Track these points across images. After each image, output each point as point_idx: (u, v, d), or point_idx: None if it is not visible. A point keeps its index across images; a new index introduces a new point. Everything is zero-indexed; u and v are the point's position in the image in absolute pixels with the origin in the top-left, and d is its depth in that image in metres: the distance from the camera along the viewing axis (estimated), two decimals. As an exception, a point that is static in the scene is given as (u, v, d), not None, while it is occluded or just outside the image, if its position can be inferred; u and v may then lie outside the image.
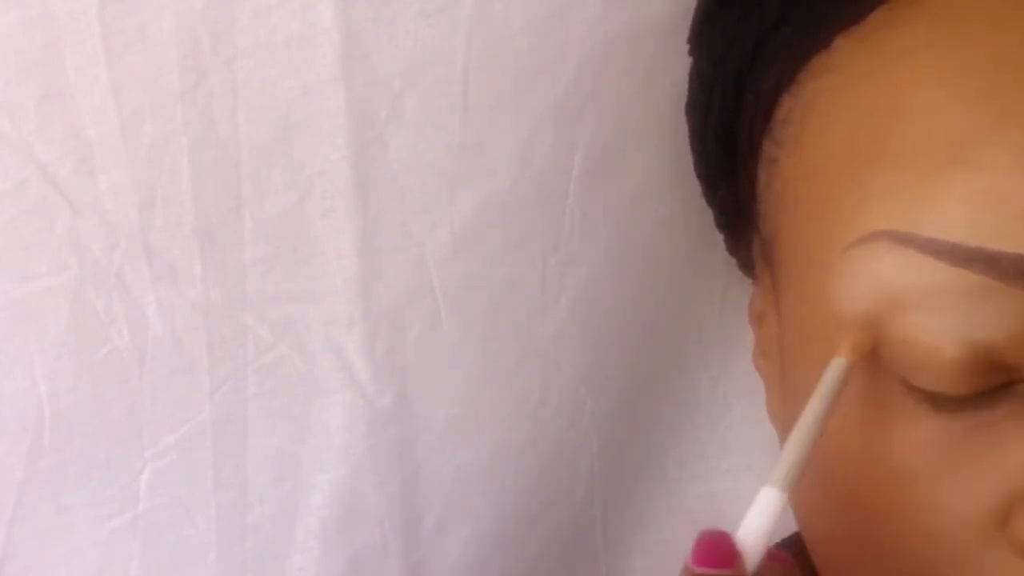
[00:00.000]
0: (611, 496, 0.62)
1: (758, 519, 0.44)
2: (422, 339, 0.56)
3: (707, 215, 0.58)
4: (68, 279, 0.52)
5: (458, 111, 0.53)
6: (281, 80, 0.52)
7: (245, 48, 0.51)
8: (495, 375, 0.57)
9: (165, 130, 0.51)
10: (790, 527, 0.52)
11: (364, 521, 0.57)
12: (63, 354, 0.53)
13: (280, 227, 0.53)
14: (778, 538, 0.57)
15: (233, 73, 0.51)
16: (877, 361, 0.45)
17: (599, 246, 0.57)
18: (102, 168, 0.51)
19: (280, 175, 0.53)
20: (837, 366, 0.44)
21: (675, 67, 0.55)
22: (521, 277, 0.57)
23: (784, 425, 0.52)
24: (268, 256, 0.54)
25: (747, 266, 0.57)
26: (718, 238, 0.58)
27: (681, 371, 0.63)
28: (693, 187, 0.57)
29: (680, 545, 0.64)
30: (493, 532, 0.60)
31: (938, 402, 0.44)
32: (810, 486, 0.48)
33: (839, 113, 0.47)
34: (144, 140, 0.51)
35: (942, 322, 0.43)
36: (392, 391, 0.56)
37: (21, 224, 0.51)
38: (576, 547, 0.63)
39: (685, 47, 0.55)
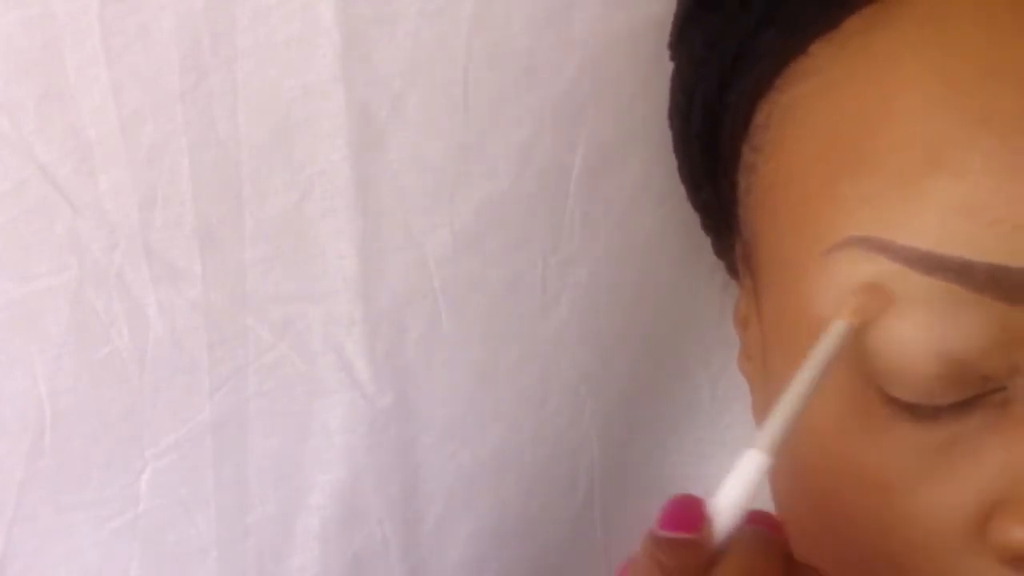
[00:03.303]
0: (611, 496, 0.62)
1: (738, 482, 0.41)
2: (422, 339, 0.56)
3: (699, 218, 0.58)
4: (68, 279, 0.52)
5: (458, 111, 0.53)
6: (281, 80, 0.52)
7: (245, 48, 0.51)
8: (495, 375, 0.57)
9: (165, 130, 0.51)
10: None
11: (364, 521, 0.57)
12: (63, 354, 0.53)
13: (280, 227, 0.53)
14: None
15: (233, 73, 0.51)
16: (854, 369, 0.45)
17: (599, 246, 0.57)
18: (102, 168, 0.51)
19: (280, 175, 0.53)
20: (838, 328, 0.43)
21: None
22: (521, 277, 0.56)
23: None
24: (268, 256, 0.54)
25: (734, 269, 0.57)
26: (716, 239, 0.58)
27: (681, 371, 0.63)
28: (688, 189, 0.57)
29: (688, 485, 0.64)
30: (493, 532, 0.60)
31: (915, 411, 0.44)
32: (793, 492, 0.48)
33: (817, 119, 0.47)
34: (144, 140, 0.51)
35: (915, 331, 0.43)
36: (392, 391, 0.56)
37: (21, 224, 0.51)
38: (576, 547, 0.63)
39: (669, 51, 0.55)
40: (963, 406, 0.43)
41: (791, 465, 0.48)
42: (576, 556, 0.63)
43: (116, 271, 0.52)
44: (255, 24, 0.51)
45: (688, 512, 0.41)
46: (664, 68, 0.55)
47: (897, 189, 0.44)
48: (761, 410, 0.53)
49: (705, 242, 0.58)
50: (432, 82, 0.53)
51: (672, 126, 0.56)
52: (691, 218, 0.58)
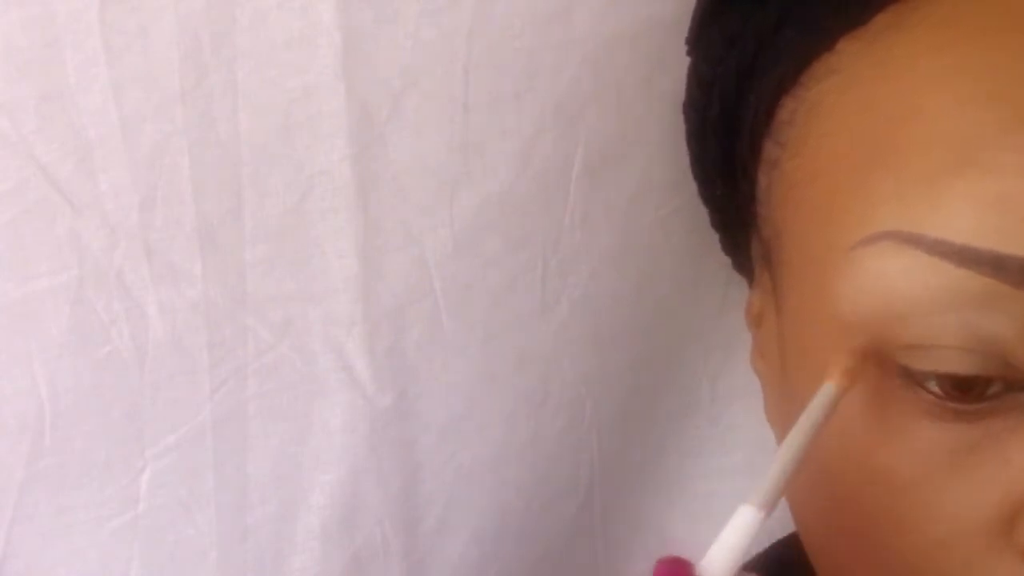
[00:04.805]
0: (611, 496, 0.62)
1: (732, 538, 0.42)
2: (422, 339, 0.56)
3: (707, 215, 0.58)
4: (68, 279, 0.52)
5: (458, 111, 0.53)
6: (281, 80, 0.52)
7: (245, 48, 0.51)
8: (495, 375, 0.57)
9: (165, 130, 0.51)
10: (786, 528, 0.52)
11: (364, 521, 0.57)
12: (63, 354, 0.53)
13: (280, 227, 0.53)
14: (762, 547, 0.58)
15: (233, 73, 0.51)
16: (880, 368, 0.45)
17: (599, 246, 0.57)
18: (102, 168, 0.51)
19: (280, 175, 0.53)
20: (826, 392, 0.44)
21: (676, 66, 0.55)
22: (521, 277, 0.56)
23: (783, 426, 0.52)
24: (268, 256, 0.54)
25: (742, 266, 0.57)
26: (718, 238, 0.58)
27: (681, 371, 0.63)
28: (694, 187, 0.57)
29: (679, 545, 0.64)
30: (493, 532, 0.60)
31: (941, 410, 0.44)
32: (811, 491, 0.48)
33: (844, 115, 0.47)
34: (144, 140, 0.51)
35: (947, 324, 0.43)
36: (393, 391, 0.56)
37: (21, 224, 0.51)
38: (576, 547, 0.63)
39: (686, 46, 0.55)
40: (989, 404, 0.43)
41: (812, 469, 0.48)
42: (576, 556, 0.63)
43: (116, 271, 0.53)
44: (255, 24, 0.51)
45: (679, 573, 0.41)
46: (665, 68, 0.55)
47: (927, 185, 0.43)
48: (774, 408, 0.53)
49: (706, 242, 0.58)
50: (432, 82, 0.53)
51: (687, 120, 0.55)
52: (691, 218, 0.58)
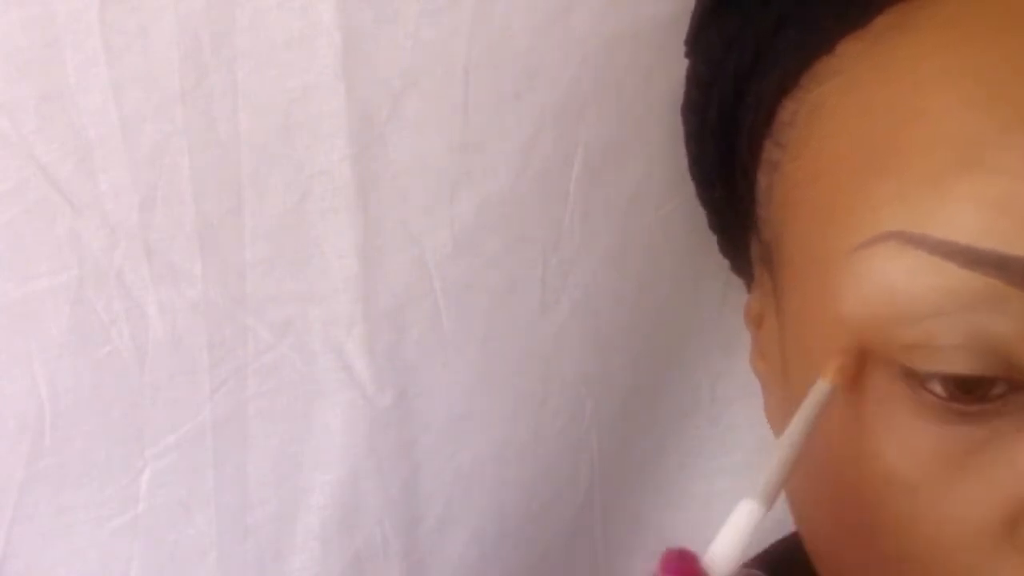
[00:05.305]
0: (611, 496, 0.62)
1: (733, 534, 0.43)
2: (422, 339, 0.56)
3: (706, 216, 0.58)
4: (68, 279, 0.52)
5: (458, 111, 0.53)
6: (281, 80, 0.52)
7: (245, 48, 0.51)
8: (495, 375, 0.57)
9: (165, 130, 0.51)
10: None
11: (364, 521, 0.57)
12: (63, 354, 0.53)
13: (280, 227, 0.53)
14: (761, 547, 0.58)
15: (233, 73, 0.51)
16: (883, 369, 0.45)
17: (599, 246, 0.57)
18: (102, 168, 0.51)
19: (280, 175, 0.53)
20: (820, 389, 0.44)
21: (676, 67, 0.55)
22: (521, 277, 0.57)
23: (784, 426, 0.52)
24: (268, 256, 0.54)
25: (740, 268, 0.57)
26: (718, 238, 0.58)
27: (681, 371, 0.63)
28: (693, 187, 0.57)
29: (678, 539, 0.64)
30: (493, 532, 0.60)
31: (944, 412, 0.44)
32: (814, 491, 0.48)
33: (846, 116, 0.47)
34: (144, 140, 0.51)
35: (951, 324, 0.43)
36: (392, 391, 0.56)
37: (21, 224, 0.51)
38: (576, 547, 0.63)
39: (685, 47, 0.55)
40: (993, 404, 0.43)
41: (815, 470, 0.48)
42: (576, 556, 0.63)
43: (116, 271, 0.53)
44: (255, 24, 0.51)
45: (685, 567, 0.42)
46: (665, 68, 0.55)
47: (931, 186, 0.43)
48: (776, 409, 0.53)
49: (705, 242, 0.58)
50: (432, 82, 0.53)
51: (685, 122, 0.55)
52: (691, 218, 0.58)
